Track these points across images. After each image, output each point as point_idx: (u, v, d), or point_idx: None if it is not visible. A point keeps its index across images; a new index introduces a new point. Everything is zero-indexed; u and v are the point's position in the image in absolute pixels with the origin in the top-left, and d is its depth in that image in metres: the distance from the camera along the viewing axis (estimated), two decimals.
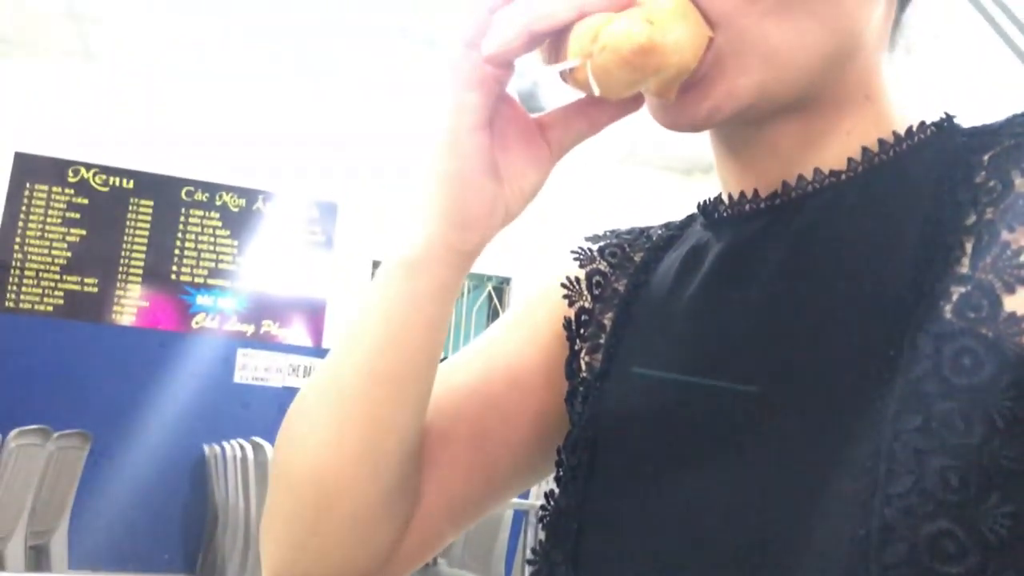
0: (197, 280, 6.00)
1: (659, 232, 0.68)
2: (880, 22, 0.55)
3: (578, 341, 0.65)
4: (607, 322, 0.64)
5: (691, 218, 0.66)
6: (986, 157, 0.50)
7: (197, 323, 5.97)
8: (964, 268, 0.45)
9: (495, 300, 6.62)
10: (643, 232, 0.70)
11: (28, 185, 5.76)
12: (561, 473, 0.60)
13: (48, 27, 5.33)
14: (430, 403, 0.60)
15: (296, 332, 6.13)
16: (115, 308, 5.82)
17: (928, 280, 0.46)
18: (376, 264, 6.21)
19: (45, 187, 5.79)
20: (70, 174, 5.83)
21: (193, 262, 6.01)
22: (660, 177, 6.79)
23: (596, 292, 0.66)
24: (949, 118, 0.55)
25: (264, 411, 5.91)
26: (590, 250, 0.69)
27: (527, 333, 0.67)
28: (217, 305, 6.02)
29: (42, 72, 5.83)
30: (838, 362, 0.47)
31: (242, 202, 6.14)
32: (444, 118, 0.51)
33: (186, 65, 5.76)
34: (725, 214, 0.59)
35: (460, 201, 0.52)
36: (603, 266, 0.68)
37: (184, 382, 5.82)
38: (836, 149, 0.54)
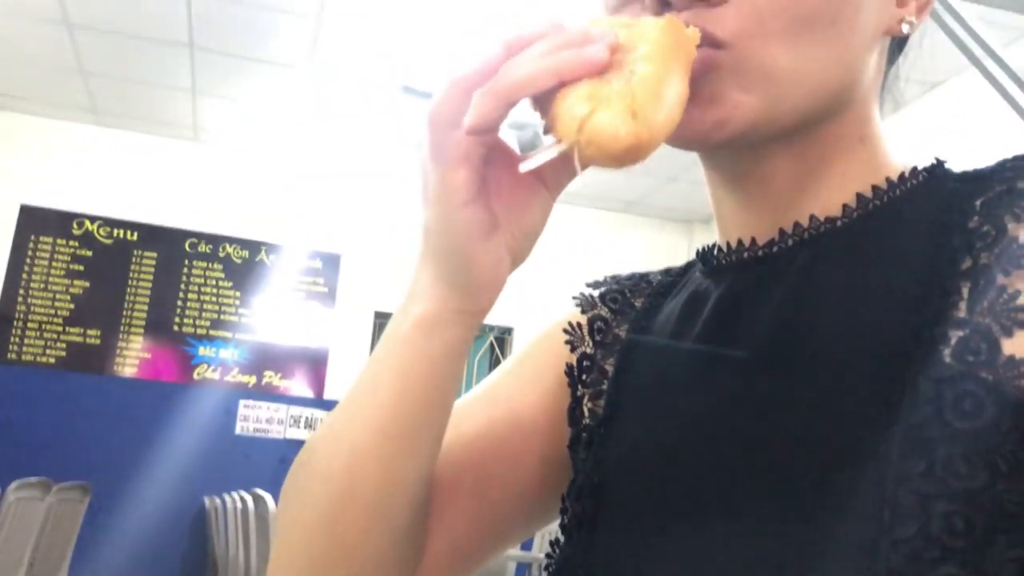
0: (199, 331, 6.00)
1: (659, 278, 0.69)
2: (874, 69, 0.57)
3: (580, 387, 0.65)
4: (609, 368, 0.65)
5: (690, 265, 0.66)
6: (978, 202, 0.51)
7: (199, 374, 5.96)
8: (962, 312, 0.46)
9: (497, 350, 6.61)
10: (643, 278, 0.70)
11: (33, 237, 5.80)
12: (566, 521, 0.60)
13: (56, 82, 5.41)
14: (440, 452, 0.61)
15: (298, 383, 6.12)
16: (117, 360, 5.82)
17: (926, 325, 0.46)
18: (379, 315, 6.22)
19: (50, 239, 5.82)
20: (74, 226, 5.87)
21: (196, 313, 6.02)
22: (661, 228, 6.83)
23: (598, 338, 0.67)
24: (940, 163, 0.56)
25: (265, 463, 5.86)
26: (591, 296, 0.70)
27: (529, 377, 0.68)
28: (219, 356, 6.02)
29: (49, 126, 5.90)
30: (838, 410, 0.47)
31: (245, 254, 6.17)
32: (434, 199, 0.51)
33: (188, 122, 5.83)
34: (723, 261, 0.60)
35: (464, 272, 0.53)
36: (604, 312, 0.68)
37: (185, 434, 5.79)
38: (831, 192, 0.55)
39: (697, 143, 0.53)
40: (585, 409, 0.64)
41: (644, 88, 0.44)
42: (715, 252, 0.61)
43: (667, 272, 0.69)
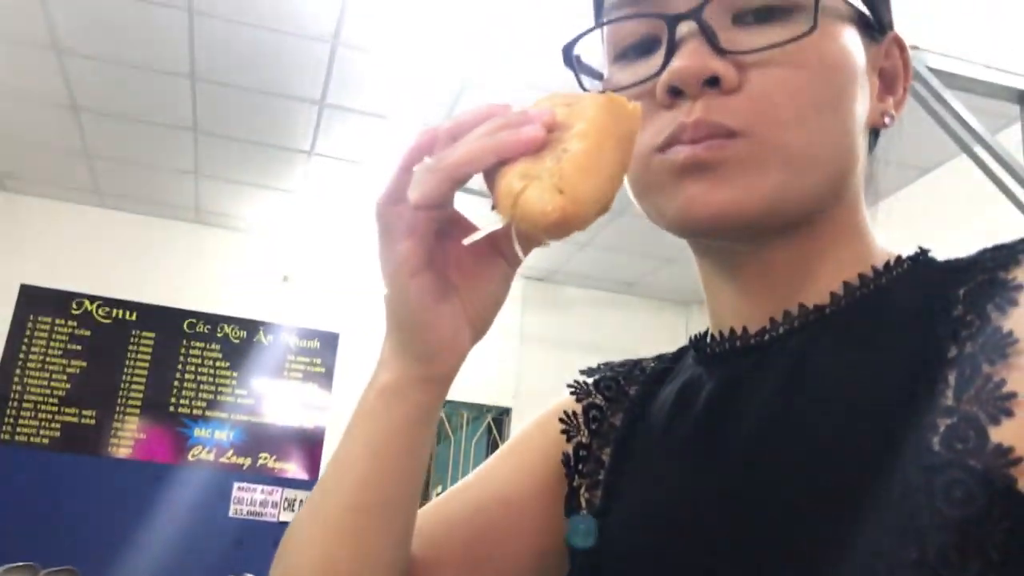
0: (195, 412, 5.96)
1: (652, 365, 0.69)
2: (862, 158, 0.58)
3: (577, 477, 0.65)
4: (605, 458, 0.65)
5: (683, 351, 0.67)
6: (962, 291, 0.52)
7: (193, 455, 5.89)
8: (949, 400, 0.46)
9: (494, 431, 6.55)
10: (636, 365, 0.71)
11: (32, 317, 5.80)
12: None
13: (60, 164, 5.48)
14: (423, 533, 0.60)
15: (293, 465, 6.04)
16: (112, 440, 5.76)
17: (914, 413, 0.47)
18: None
19: (48, 319, 5.83)
20: (73, 306, 5.88)
21: (192, 394, 5.98)
22: (659, 309, 6.84)
23: (593, 427, 0.67)
24: (923, 252, 0.58)
25: (258, 547, 5.75)
26: (586, 384, 0.71)
27: (522, 463, 0.68)
28: (214, 437, 5.96)
29: (52, 207, 5.96)
30: (829, 500, 0.47)
31: (243, 334, 6.17)
32: (386, 271, 0.53)
33: (190, 203, 5.90)
34: (716, 350, 0.60)
35: (417, 340, 0.54)
36: (599, 400, 0.69)
37: (177, 517, 5.70)
38: (824, 281, 0.56)
39: (710, 226, 0.54)
40: (582, 499, 0.64)
41: (572, 165, 0.47)
42: (707, 340, 0.62)
43: (660, 359, 0.70)
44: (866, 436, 0.48)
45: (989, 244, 0.58)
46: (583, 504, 0.64)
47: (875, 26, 0.57)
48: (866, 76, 0.56)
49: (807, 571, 0.46)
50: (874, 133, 0.62)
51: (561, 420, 0.68)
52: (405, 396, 0.55)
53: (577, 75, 0.61)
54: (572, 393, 0.71)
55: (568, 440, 0.67)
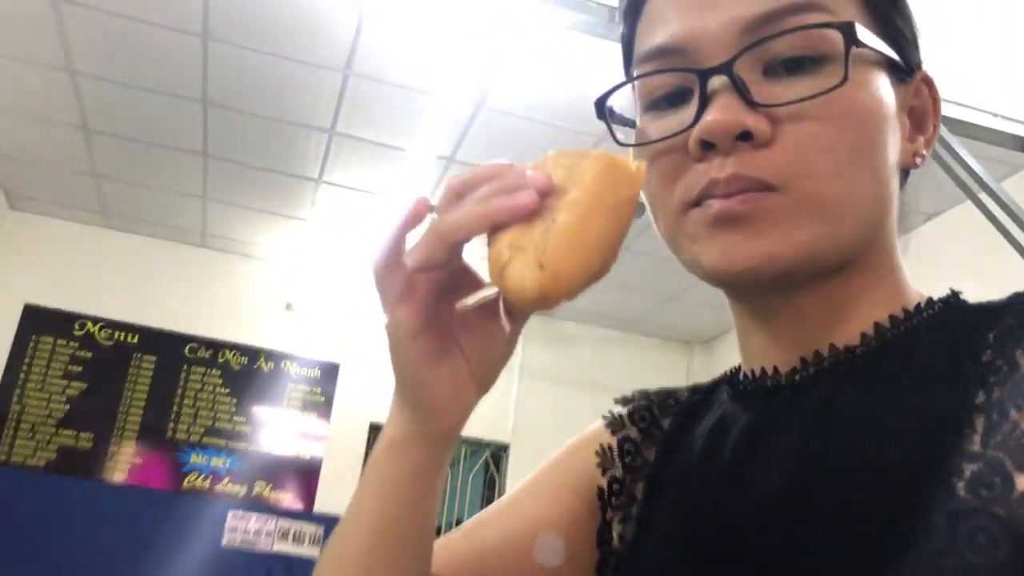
0: (193, 438, 5.93)
1: (686, 396, 0.69)
2: (896, 198, 0.59)
3: (610, 510, 0.66)
4: (637, 493, 0.65)
5: (718, 383, 0.67)
6: (991, 336, 0.51)
7: (189, 483, 5.86)
8: (976, 446, 0.46)
9: (492, 467, 6.51)
10: (671, 395, 0.71)
11: (34, 337, 5.80)
12: None
13: (68, 184, 5.51)
14: (456, 559, 0.61)
15: (289, 495, 6.01)
16: (108, 464, 5.73)
17: (940, 457, 0.46)
18: (374, 427, 6.15)
19: (50, 339, 5.82)
20: (76, 327, 5.88)
21: (190, 420, 5.96)
22: (661, 347, 6.83)
23: (627, 460, 0.68)
24: (955, 295, 0.58)
25: None
26: (620, 416, 0.71)
27: (551, 493, 0.68)
28: (210, 465, 5.93)
29: (58, 227, 5.99)
30: (851, 540, 0.47)
31: (244, 360, 6.16)
32: (387, 331, 0.54)
33: (197, 227, 5.92)
34: (748, 388, 0.60)
35: (420, 398, 0.54)
36: (633, 433, 0.69)
37: (171, 544, 5.65)
38: (855, 323, 0.56)
39: (747, 278, 0.54)
40: (614, 533, 0.64)
41: (557, 238, 0.47)
42: (740, 377, 0.62)
43: (695, 390, 0.70)
44: (891, 480, 0.48)
45: (993, 290, 0.57)
46: (615, 537, 0.64)
47: (904, 68, 0.57)
48: (897, 119, 0.56)
49: None
50: (904, 171, 0.62)
51: (597, 453, 0.69)
52: (408, 451, 0.56)
53: (610, 127, 0.61)
54: (607, 425, 0.71)
55: (603, 473, 0.68)
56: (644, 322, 6.65)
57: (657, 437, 0.67)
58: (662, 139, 0.56)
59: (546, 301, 0.46)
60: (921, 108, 0.59)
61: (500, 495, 6.54)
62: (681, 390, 0.71)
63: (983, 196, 2.44)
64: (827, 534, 0.49)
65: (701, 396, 0.68)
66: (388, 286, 0.52)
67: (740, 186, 0.52)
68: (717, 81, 0.53)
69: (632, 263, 5.57)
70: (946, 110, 2.37)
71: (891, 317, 0.56)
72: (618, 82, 0.60)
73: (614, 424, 0.70)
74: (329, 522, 5.97)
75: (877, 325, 0.55)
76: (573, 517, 0.66)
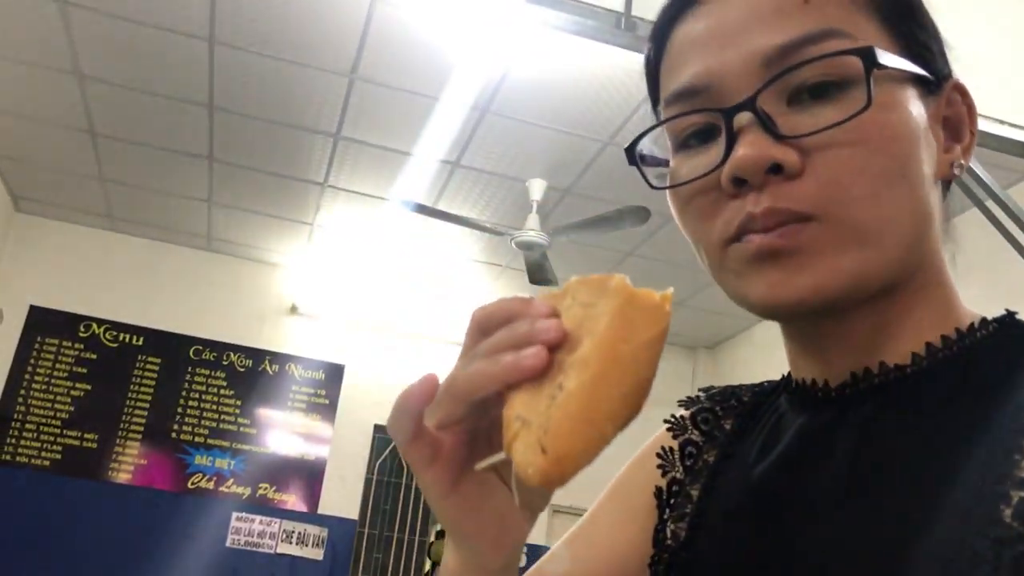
0: (197, 439, 5.95)
1: (749, 396, 0.70)
2: (938, 211, 0.58)
3: (667, 511, 0.67)
4: (694, 493, 0.66)
5: (780, 384, 0.68)
6: None
7: (193, 483, 5.87)
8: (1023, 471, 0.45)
9: None
10: (734, 394, 0.71)
11: (39, 338, 5.82)
12: None
13: (75, 187, 5.53)
14: None
15: (292, 497, 6.01)
16: (112, 465, 5.75)
17: (988, 482, 0.46)
18: (377, 428, 6.16)
19: (55, 341, 5.84)
20: (81, 329, 5.90)
21: (195, 421, 5.97)
22: (665, 353, 6.80)
23: (688, 463, 0.68)
24: (1011, 315, 0.57)
25: None
26: (683, 419, 0.72)
27: (623, 512, 0.69)
28: (214, 466, 5.94)
29: (64, 230, 6.00)
30: (893, 560, 0.47)
31: (249, 362, 6.17)
32: (422, 487, 0.53)
33: (202, 230, 5.93)
34: (799, 397, 0.61)
35: (466, 543, 0.53)
36: (695, 435, 0.70)
37: (175, 545, 5.66)
38: (904, 341, 0.56)
39: (794, 312, 0.54)
40: (668, 531, 0.65)
41: (560, 417, 0.44)
42: (792, 385, 0.63)
43: (758, 390, 0.70)
44: (935, 502, 0.47)
45: (1000, 298, 0.57)
46: (668, 536, 0.65)
47: (932, 80, 0.57)
48: (930, 132, 0.55)
49: None
50: (946, 183, 0.61)
51: (658, 455, 0.70)
52: None
53: (642, 173, 0.61)
54: (668, 429, 0.71)
55: (663, 475, 0.69)
56: None
57: (719, 440, 0.68)
58: (694, 179, 0.56)
59: (551, 484, 0.44)
60: (956, 117, 0.59)
61: None
62: (744, 389, 0.71)
63: (990, 203, 2.44)
64: (869, 552, 0.48)
65: (763, 398, 0.68)
66: (412, 455, 0.51)
67: (777, 219, 0.52)
68: (743, 117, 0.53)
69: (638, 268, 5.58)
70: None
71: (943, 337, 0.55)
72: (647, 127, 0.60)
73: (676, 428, 0.71)
74: (333, 523, 5.98)
75: (929, 345, 0.55)
76: (645, 534, 0.67)
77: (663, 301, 0.47)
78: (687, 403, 0.73)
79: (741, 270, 0.55)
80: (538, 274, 4.89)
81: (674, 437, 0.70)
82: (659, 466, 0.69)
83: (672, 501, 0.67)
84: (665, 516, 0.66)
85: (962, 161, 0.58)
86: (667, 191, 0.59)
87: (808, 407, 0.60)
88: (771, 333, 0.64)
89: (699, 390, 0.74)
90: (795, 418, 0.60)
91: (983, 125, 2.40)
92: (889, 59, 0.52)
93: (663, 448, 0.70)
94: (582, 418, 0.44)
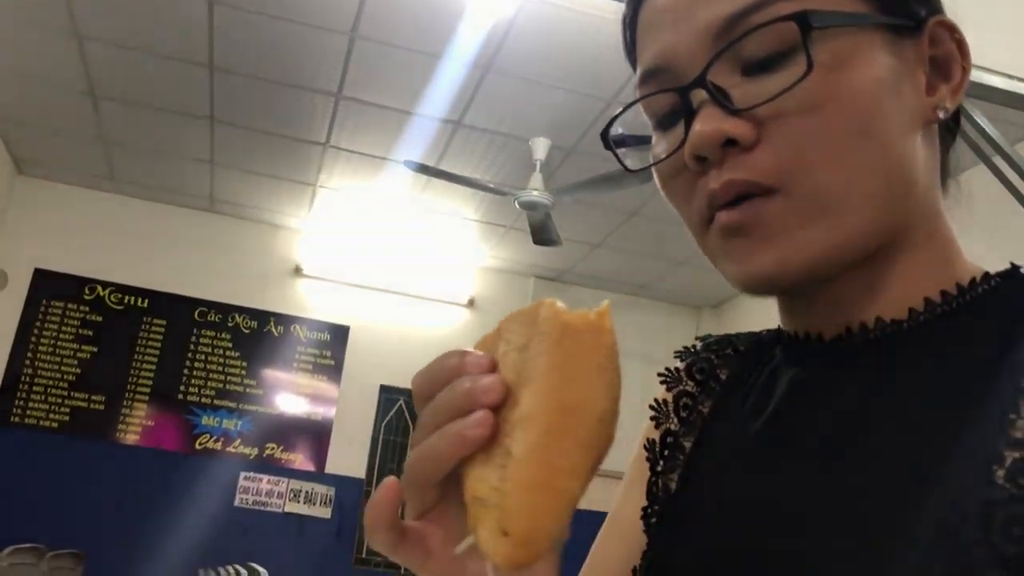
0: (204, 401, 5.98)
1: (745, 345, 0.69)
2: (927, 162, 0.56)
3: (662, 463, 0.66)
4: (687, 444, 0.66)
5: (776, 334, 0.66)
6: None
7: (200, 444, 5.92)
8: (1019, 432, 0.44)
9: None
10: (730, 342, 0.70)
11: (45, 301, 5.84)
12: None
13: (77, 150, 5.51)
14: None
15: (300, 456, 6.06)
16: (120, 426, 5.79)
17: (983, 440, 0.45)
18: (384, 389, 6.20)
19: (61, 303, 5.86)
20: (86, 291, 5.91)
21: (201, 382, 6.01)
22: (669, 312, 6.83)
23: (683, 414, 0.68)
24: (1015, 268, 0.55)
25: (262, 536, 5.78)
26: (677, 371, 0.71)
27: (637, 493, 0.68)
28: (222, 426, 5.98)
29: (68, 192, 5.99)
30: (885, 520, 0.47)
31: (254, 324, 6.19)
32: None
33: (205, 192, 5.92)
34: (793, 349, 0.60)
35: None
36: (690, 386, 0.69)
37: (183, 504, 5.72)
38: (899, 296, 0.55)
39: (763, 288, 0.54)
40: (660, 483, 0.65)
41: (514, 492, 0.40)
42: (786, 338, 0.62)
43: (755, 339, 0.69)
44: (930, 460, 0.47)
45: (1007, 255, 0.56)
46: (660, 488, 0.64)
47: (907, 24, 0.54)
48: (904, 77, 0.53)
49: None
50: (946, 126, 0.59)
51: (651, 407, 0.69)
52: None
53: (617, 157, 0.60)
54: (663, 382, 0.70)
55: (656, 427, 0.68)
56: (653, 286, 6.65)
57: (713, 390, 0.67)
58: (660, 161, 0.56)
59: (523, 566, 0.40)
60: (944, 55, 0.56)
61: None
62: (742, 339, 0.70)
63: (997, 159, 2.42)
64: (860, 505, 0.48)
65: (760, 347, 0.67)
66: (404, 559, 0.48)
67: (736, 191, 0.51)
68: (698, 94, 0.52)
69: (641, 228, 5.56)
70: None
71: (943, 292, 0.54)
72: (616, 112, 0.59)
73: (670, 380, 0.70)
74: (340, 483, 6.04)
75: (928, 300, 0.54)
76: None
77: (600, 318, 0.43)
78: (683, 354, 0.72)
79: (716, 250, 0.55)
80: (541, 234, 4.88)
81: (668, 389, 0.70)
82: (652, 418, 0.69)
83: (666, 453, 0.66)
84: (659, 468, 0.66)
85: (947, 104, 0.56)
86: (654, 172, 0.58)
87: (801, 360, 0.59)
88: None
89: (696, 338, 0.73)
90: (788, 370, 0.59)
91: (989, 80, 2.38)
92: (830, 18, 0.51)
93: (656, 400, 0.69)
94: (538, 485, 0.40)
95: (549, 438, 0.40)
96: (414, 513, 0.47)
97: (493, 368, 0.44)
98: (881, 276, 0.55)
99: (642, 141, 0.60)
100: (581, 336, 0.42)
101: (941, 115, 0.55)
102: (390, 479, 0.46)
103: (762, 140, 0.51)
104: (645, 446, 0.67)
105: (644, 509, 0.64)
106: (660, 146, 0.57)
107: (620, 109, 0.59)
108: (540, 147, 4.68)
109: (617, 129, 0.60)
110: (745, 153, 0.51)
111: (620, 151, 0.61)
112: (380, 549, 0.47)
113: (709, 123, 0.51)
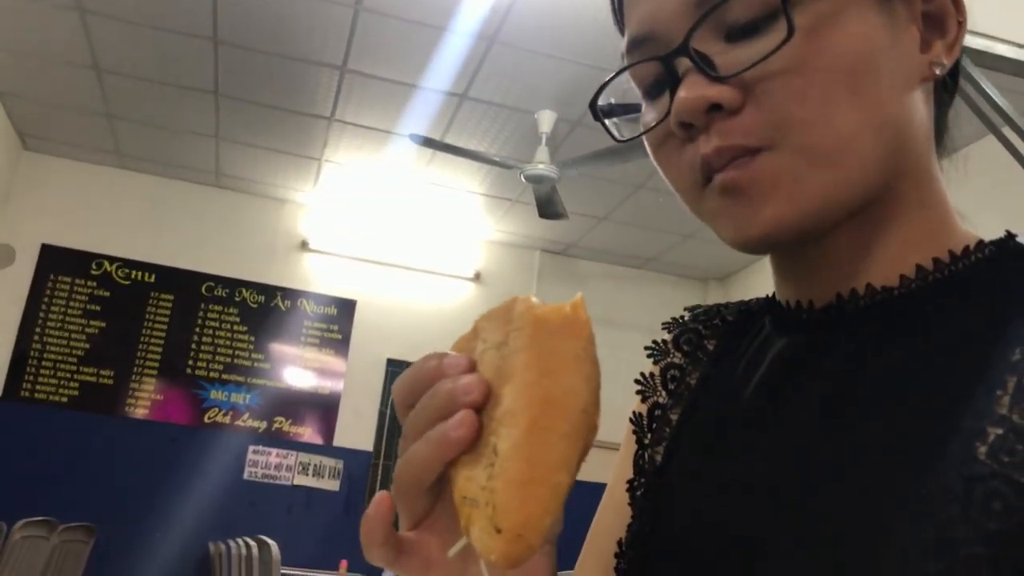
0: (212, 375, 6.01)
1: (734, 316, 0.69)
2: (923, 118, 0.55)
3: (649, 436, 0.66)
4: (674, 417, 0.65)
5: (765, 303, 0.66)
6: None
7: (209, 418, 5.96)
8: (1003, 408, 0.44)
9: None
10: (719, 312, 0.70)
11: (52, 277, 5.85)
12: (622, 565, 0.61)
13: (82, 125, 5.50)
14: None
15: (308, 430, 6.10)
16: (129, 401, 5.83)
17: (967, 415, 0.44)
18: (391, 363, 6.22)
19: (68, 279, 5.88)
20: (93, 267, 5.93)
21: (209, 357, 6.03)
22: (676, 284, 6.83)
23: (671, 387, 0.67)
24: (1010, 236, 0.54)
25: (272, 509, 5.83)
26: (664, 343, 0.70)
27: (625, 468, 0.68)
28: (230, 401, 6.02)
29: (73, 168, 5.99)
30: (871, 494, 0.46)
31: (261, 298, 6.20)
32: None
33: (210, 167, 5.91)
34: (784, 318, 0.60)
35: None
36: (678, 358, 0.69)
37: (193, 478, 5.77)
38: (890, 262, 0.54)
39: (761, 245, 0.53)
40: (646, 456, 0.65)
41: (503, 488, 0.40)
42: (776, 306, 0.61)
43: (744, 309, 0.69)
44: (915, 433, 0.46)
45: (1016, 226, 0.55)
46: (646, 460, 0.64)
47: None
48: (895, 35, 0.53)
49: (837, 562, 0.45)
50: (944, 85, 0.58)
51: (637, 382, 0.68)
52: None
53: (606, 127, 0.60)
54: (649, 355, 0.70)
55: (643, 400, 0.68)
56: (660, 260, 6.64)
57: (701, 361, 0.67)
58: (649, 130, 0.56)
59: (519, 562, 0.40)
60: (938, 10, 0.55)
61: None
62: (731, 308, 0.70)
63: (1006, 130, 2.40)
64: (845, 478, 0.48)
65: (748, 316, 0.67)
66: (405, 571, 0.48)
67: (728, 155, 0.51)
68: (682, 62, 0.52)
69: (647, 201, 5.55)
70: (968, 41, 2.32)
71: (935, 260, 0.53)
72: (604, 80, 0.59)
73: (657, 353, 0.70)
74: (348, 455, 6.08)
75: (919, 267, 0.53)
76: None
77: (575, 310, 0.43)
78: (670, 326, 0.72)
79: (715, 210, 0.54)
80: (547, 208, 4.87)
81: (655, 362, 0.69)
82: (638, 392, 0.68)
83: (654, 426, 0.66)
84: (646, 441, 0.66)
85: (944, 60, 0.54)
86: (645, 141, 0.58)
87: (791, 328, 0.58)
88: None
89: (684, 309, 0.73)
90: (777, 340, 0.59)
91: (998, 49, 2.35)
92: None
93: (642, 374, 0.69)
94: (527, 480, 0.40)
95: (533, 433, 0.40)
96: (408, 523, 0.47)
97: (472, 368, 0.44)
98: (875, 237, 0.54)
99: (632, 110, 0.59)
100: (557, 329, 0.42)
101: (938, 72, 0.54)
102: (382, 493, 0.46)
103: (748, 104, 0.51)
104: (632, 420, 0.67)
105: (630, 482, 0.64)
106: (649, 115, 0.57)
107: (604, 82, 0.59)
108: (546, 120, 4.66)
109: (609, 99, 0.59)
110: (732, 117, 0.51)
111: (611, 121, 0.60)
112: (379, 564, 0.47)
113: (692, 90, 0.51)
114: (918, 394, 0.48)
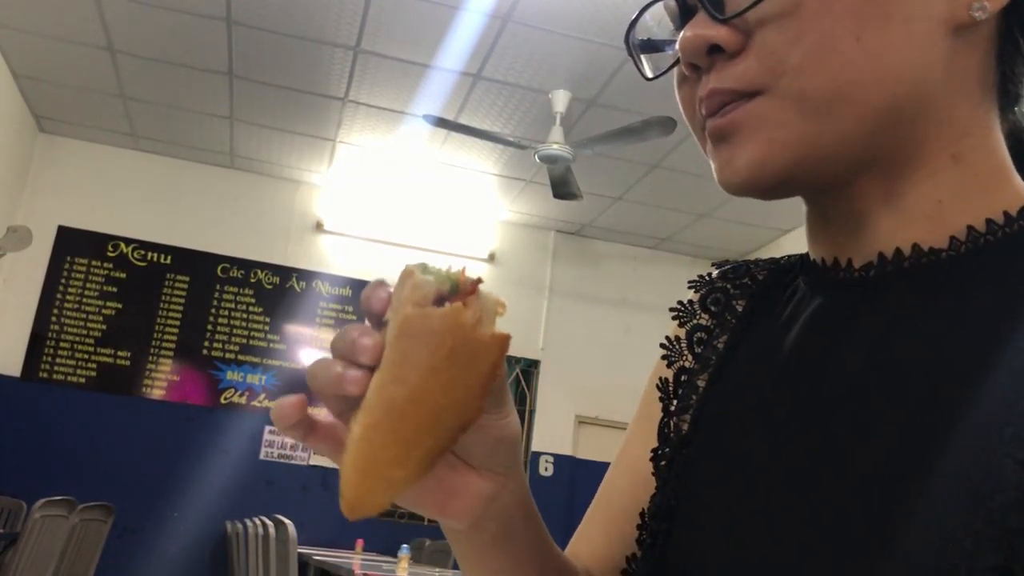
0: (228, 356, 6.05)
1: (764, 274, 0.66)
2: (964, 69, 0.51)
3: (675, 403, 0.64)
4: (701, 384, 0.63)
5: (798, 262, 0.63)
6: None
7: (226, 399, 6.00)
8: None
9: (523, 383, 6.59)
10: (748, 270, 0.67)
11: (69, 258, 5.89)
12: (644, 537, 0.59)
13: (97, 107, 5.51)
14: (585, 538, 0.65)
15: (323, 410, 6.12)
16: (146, 381, 5.87)
17: (1021, 396, 0.41)
18: None
19: (85, 261, 5.91)
20: (109, 248, 5.96)
21: (225, 338, 6.07)
22: (691, 265, 6.80)
23: (698, 351, 0.65)
24: None
25: (288, 489, 5.88)
26: (691, 303, 0.68)
27: (650, 434, 0.65)
28: (246, 381, 6.05)
29: (88, 149, 6.01)
30: (901, 473, 0.44)
31: (276, 280, 6.22)
32: None
33: (225, 148, 5.92)
34: (819, 277, 0.57)
35: (429, 510, 0.51)
36: (704, 320, 0.66)
37: (210, 458, 5.82)
38: (930, 222, 0.51)
39: (743, 189, 0.51)
40: (672, 424, 0.63)
41: (345, 464, 0.42)
42: (811, 264, 0.59)
43: (775, 268, 0.66)
44: (962, 410, 0.43)
45: None
46: (672, 430, 0.62)
47: None
48: None
49: (869, 531, 0.44)
50: (1007, 33, 0.52)
51: (663, 346, 0.66)
52: (458, 538, 0.56)
53: (636, 62, 0.59)
54: (675, 317, 0.67)
55: (669, 366, 0.65)
56: (674, 240, 6.62)
57: (730, 323, 0.64)
58: (666, 70, 0.55)
59: (358, 517, 0.42)
60: None
61: (530, 410, 6.54)
62: (760, 266, 0.66)
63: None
64: (883, 454, 0.46)
65: (780, 276, 0.64)
66: (303, 440, 0.48)
67: (721, 100, 0.50)
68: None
69: (662, 181, 5.52)
70: None
71: (988, 221, 0.49)
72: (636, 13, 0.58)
73: (683, 314, 0.67)
74: None
75: (971, 229, 0.49)
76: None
77: (444, 319, 0.41)
78: (697, 284, 0.69)
79: (709, 153, 0.53)
80: (562, 188, 4.85)
81: (681, 324, 0.67)
82: (663, 357, 0.66)
83: (680, 392, 0.63)
84: (672, 408, 0.63)
85: (986, 3, 0.48)
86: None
87: (828, 289, 0.55)
88: (800, 244, 0.61)
89: (712, 265, 0.69)
90: (812, 301, 0.56)
91: None
92: None
93: (667, 338, 0.66)
94: (358, 469, 0.41)
95: (371, 432, 0.41)
96: (333, 415, 0.47)
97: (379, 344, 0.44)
98: (901, 195, 0.51)
99: (661, 48, 0.58)
100: (418, 336, 0.41)
101: (979, 15, 0.48)
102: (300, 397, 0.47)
103: (748, 48, 0.49)
104: (658, 385, 0.65)
105: (654, 451, 0.62)
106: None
107: (636, 15, 0.58)
108: (560, 99, 4.64)
109: (641, 36, 0.58)
110: (730, 60, 0.50)
111: (646, 56, 0.58)
112: (292, 438, 0.48)
113: (694, 29, 0.50)
114: (966, 367, 0.45)
